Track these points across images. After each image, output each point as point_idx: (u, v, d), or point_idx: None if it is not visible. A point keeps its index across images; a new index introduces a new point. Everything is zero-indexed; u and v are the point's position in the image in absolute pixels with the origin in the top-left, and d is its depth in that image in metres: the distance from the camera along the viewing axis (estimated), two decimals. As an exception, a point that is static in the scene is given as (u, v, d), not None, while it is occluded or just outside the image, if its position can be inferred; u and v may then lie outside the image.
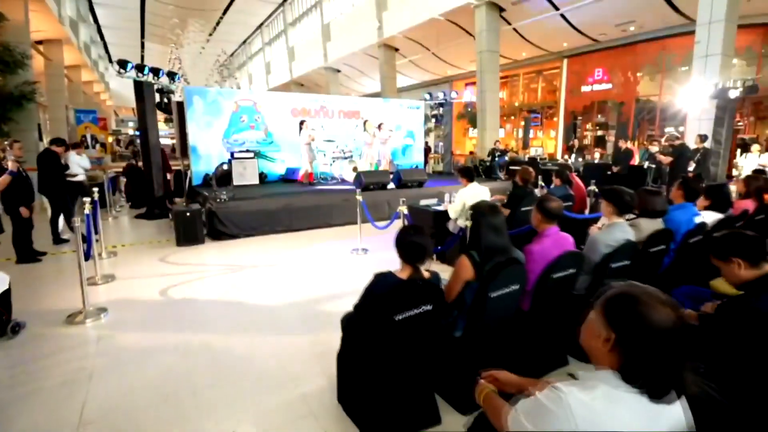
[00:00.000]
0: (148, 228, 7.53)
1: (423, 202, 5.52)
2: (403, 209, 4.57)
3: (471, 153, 20.46)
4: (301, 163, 9.25)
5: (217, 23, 26.92)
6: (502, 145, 14.48)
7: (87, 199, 4.44)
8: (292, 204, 7.06)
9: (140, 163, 9.00)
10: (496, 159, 12.83)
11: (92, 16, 24.19)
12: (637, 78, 15.98)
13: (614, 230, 2.79)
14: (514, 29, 16.45)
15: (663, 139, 7.04)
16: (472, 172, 4.86)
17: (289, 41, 28.74)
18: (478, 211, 2.25)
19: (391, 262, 2.15)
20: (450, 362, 2.24)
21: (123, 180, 10.42)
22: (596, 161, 12.33)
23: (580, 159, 13.74)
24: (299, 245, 6.22)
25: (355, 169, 9.97)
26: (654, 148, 7.02)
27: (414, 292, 1.96)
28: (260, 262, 5.33)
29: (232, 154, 9.27)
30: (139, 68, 7.68)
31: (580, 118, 18.63)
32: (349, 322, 2.31)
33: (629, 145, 11.04)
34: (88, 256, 3.88)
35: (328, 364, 2.63)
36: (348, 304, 2.23)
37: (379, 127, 10.04)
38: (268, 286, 4.45)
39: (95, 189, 5.65)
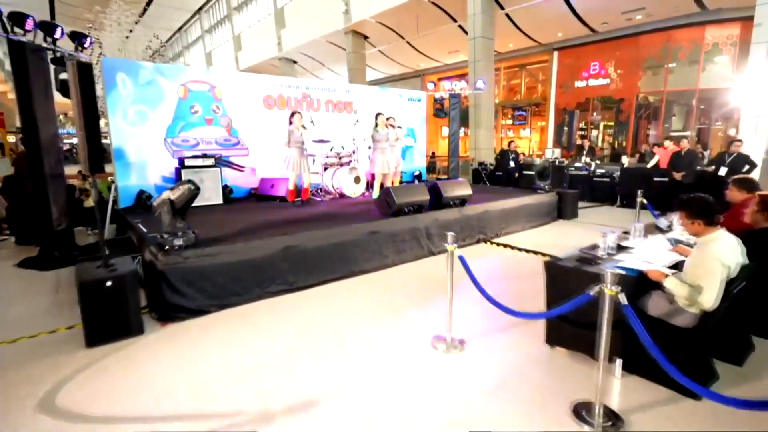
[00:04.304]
0: (37, 293, 4.37)
1: (574, 252, 3.02)
2: (618, 294, 2.04)
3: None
4: (287, 174, 6.38)
5: (148, 4, 22.94)
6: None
7: None
8: (294, 245, 4.27)
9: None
10: (514, 162, 10.64)
11: (-20, -15, 19.39)
12: (639, 72, 14.56)
13: None
14: (507, 15, 14.51)
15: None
16: (714, 210, 2.40)
17: (235, 28, 25.21)
18: None
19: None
20: None
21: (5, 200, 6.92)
22: (627, 165, 10.49)
23: (597, 162, 12.02)
24: (324, 329, 3.46)
25: (357, 179, 7.28)
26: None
27: None
28: (269, 398, 2.56)
29: (181, 161, 6.25)
30: (16, 19, 4.54)
31: (566, 116, 17.07)
32: None
33: (669, 144, 9.37)
34: None
35: None
36: None
37: (388, 121, 7.22)
38: None
39: None
